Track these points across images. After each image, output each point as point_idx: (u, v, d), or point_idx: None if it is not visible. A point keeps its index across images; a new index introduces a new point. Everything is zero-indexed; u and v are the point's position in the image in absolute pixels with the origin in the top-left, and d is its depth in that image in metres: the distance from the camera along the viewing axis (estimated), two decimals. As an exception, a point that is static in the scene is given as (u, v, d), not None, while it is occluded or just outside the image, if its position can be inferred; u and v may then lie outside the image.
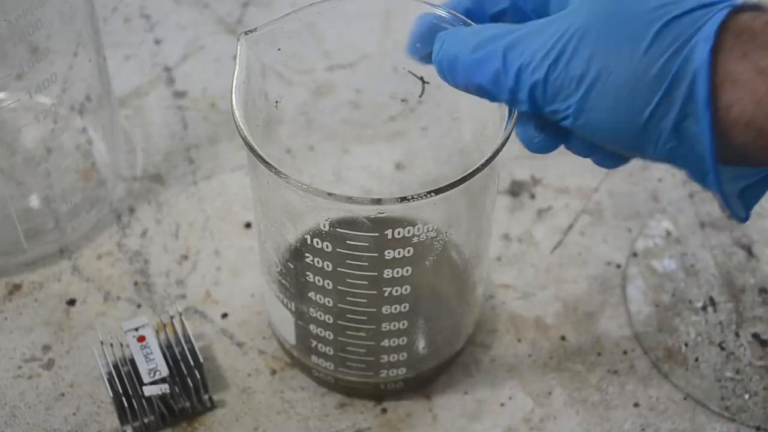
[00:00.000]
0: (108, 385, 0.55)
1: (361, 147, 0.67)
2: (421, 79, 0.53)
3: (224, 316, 0.61)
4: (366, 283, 0.51)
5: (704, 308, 0.62)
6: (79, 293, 0.62)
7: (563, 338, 0.61)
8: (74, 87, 0.60)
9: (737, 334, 0.61)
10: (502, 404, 0.59)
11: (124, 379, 0.56)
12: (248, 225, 0.65)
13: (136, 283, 0.63)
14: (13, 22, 0.54)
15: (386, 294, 0.52)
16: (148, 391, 0.55)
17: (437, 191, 0.46)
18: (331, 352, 0.56)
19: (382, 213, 0.47)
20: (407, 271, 0.51)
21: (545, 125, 0.46)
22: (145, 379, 0.55)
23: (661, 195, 0.67)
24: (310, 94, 0.70)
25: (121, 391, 0.55)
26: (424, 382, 0.59)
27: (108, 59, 0.63)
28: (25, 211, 0.63)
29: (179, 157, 0.68)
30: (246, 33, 0.50)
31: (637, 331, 0.61)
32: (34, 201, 0.63)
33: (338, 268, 0.51)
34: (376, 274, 0.51)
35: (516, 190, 0.67)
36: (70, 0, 0.57)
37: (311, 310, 0.54)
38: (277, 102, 0.54)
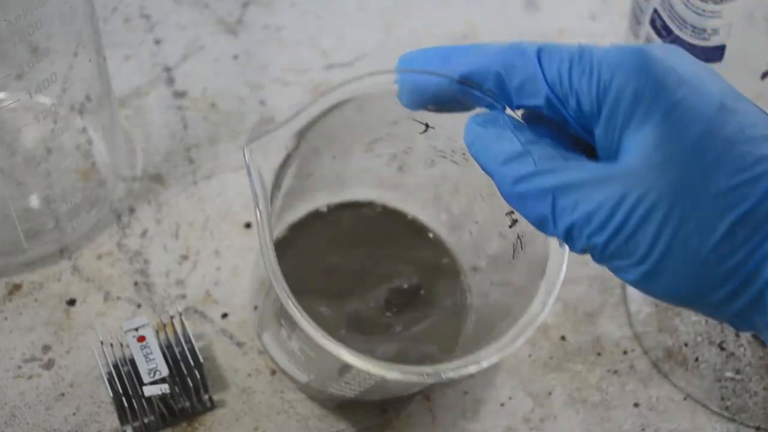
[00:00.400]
0: (108, 385, 0.55)
1: (362, 148, 0.66)
2: (426, 125, 0.51)
3: (224, 316, 0.61)
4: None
5: (704, 308, 0.62)
6: (79, 293, 0.62)
7: (563, 338, 0.61)
8: (74, 87, 0.60)
9: (737, 334, 0.61)
10: (502, 404, 0.59)
11: (124, 379, 0.56)
12: (248, 225, 0.65)
13: (136, 283, 0.63)
14: (13, 22, 0.54)
15: None
16: (148, 391, 0.55)
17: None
18: (346, 394, 0.56)
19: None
20: None
21: None
22: (145, 379, 0.55)
23: (661, 195, 0.67)
24: (307, 94, 0.70)
25: (121, 391, 0.55)
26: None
27: (108, 59, 0.63)
28: (25, 211, 0.63)
29: (179, 157, 0.68)
30: (248, 144, 0.47)
31: (637, 331, 0.61)
32: (34, 201, 0.63)
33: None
34: None
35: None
36: (70, 0, 0.57)
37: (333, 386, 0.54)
38: (310, 175, 0.53)
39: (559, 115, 0.42)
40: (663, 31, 0.65)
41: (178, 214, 0.66)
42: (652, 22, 0.66)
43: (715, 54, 0.65)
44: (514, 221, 0.51)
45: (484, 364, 0.46)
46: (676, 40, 0.65)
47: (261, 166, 0.47)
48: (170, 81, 0.72)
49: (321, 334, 0.45)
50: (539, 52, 0.42)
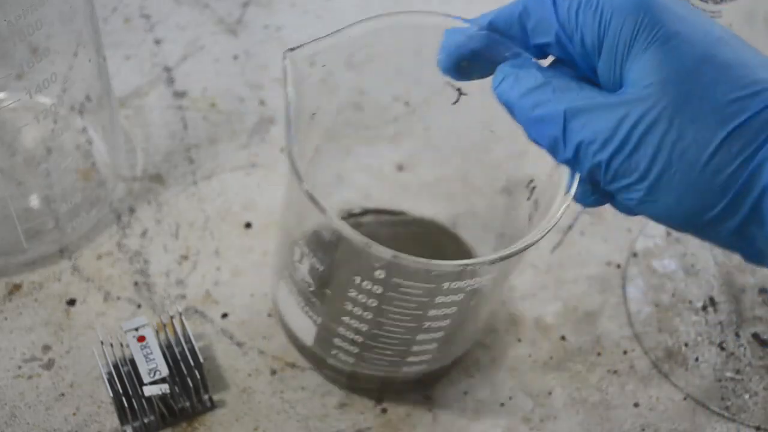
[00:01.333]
0: (108, 385, 0.55)
1: (363, 148, 0.67)
2: (459, 90, 0.52)
3: (224, 316, 0.62)
4: (409, 318, 0.51)
5: (704, 308, 0.62)
6: (79, 293, 0.62)
7: (563, 338, 0.61)
8: (74, 87, 0.60)
9: (737, 334, 0.61)
10: (502, 404, 0.59)
11: (124, 379, 0.56)
12: (248, 225, 0.65)
13: (136, 283, 0.63)
14: (13, 22, 0.54)
15: (425, 326, 0.52)
16: (148, 391, 0.55)
17: (503, 258, 0.46)
18: (351, 361, 0.56)
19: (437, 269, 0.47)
20: (452, 310, 0.51)
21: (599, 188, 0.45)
22: (145, 379, 0.55)
23: (661, 195, 0.67)
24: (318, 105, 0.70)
25: (121, 391, 0.55)
26: (426, 383, 0.59)
27: (108, 59, 0.63)
28: (25, 211, 0.63)
29: (179, 157, 0.68)
30: (291, 50, 0.48)
31: (637, 331, 0.61)
32: (34, 201, 0.63)
33: (383, 306, 0.51)
34: (421, 312, 0.51)
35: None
36: (70, 0, 0.57)
37: (341, 329, 0.54)
38: (313, 114, 0.53)
39: (567, 54, 0.45)
40: (663, 31, 0.65)
41: (178, 214, 0.66)
42: (652, 22, 0.66)
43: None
44: (533, 189, 0.52)
45: (511, 250, 0.47)
46: (676, 40, 0.65)
47: (295, 74, 0.48)
48: (170, 81, 0.72)
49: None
50: None
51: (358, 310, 0.52)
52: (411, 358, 0.55)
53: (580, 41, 0.44)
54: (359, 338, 0.53)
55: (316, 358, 0.58)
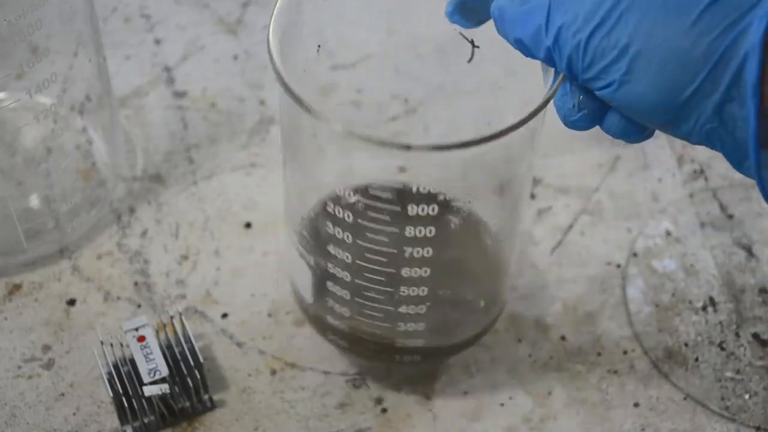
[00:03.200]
0: (108, 385, 0.55)
1: (362, 147, 0.67)
2: (472, 42, 0.52)
3: (224, 316, 0.61)
4: (386, 239, 0.51)
5: (704, 308, 0.62)
6: (79, 293, 0.62)
7: (563, 338, 0.61)
8: (74, 87, 0.60)
9: (737, 334, 0.61)
10: (502, 404, 0.59)
11: (124, 379, 0.56)
12: (248, 225, 0.65)
13: (136, 283, 0.63)
14: (13, 22, 0.54)
15: (407, 254, 0.51)
16: (148, 391, 0.55)
17: (460, 145, 0.45)
18: (348, 314, 0.55)
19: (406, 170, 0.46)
20: (430, 231, 0.50)
21: (585, 101, 0.45)
22: (145, 379, 0.55)
23: (661, 195, 0.67)
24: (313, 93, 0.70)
25: (121, 391, 0.55)
26: (441, 358, 0.58)
27: (108, 59, 0.63)
28: (25, 211, 0.63)
29: (179, 157, 0.68)
30: None
31: (637, 331, 0.61)
32: (34, 201, 0.63)
33: (358, 220, 0.50)
34: (397, 230, 0.50)
35: (516, 190, 0.67)
36: (70, 0, 0.57)
37: (329, 265, 0.53)
38: (319, 46, 0.53)
39: None
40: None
41: (178, 214, 0.66)
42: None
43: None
44: None
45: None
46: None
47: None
48: (170, 81, 0.72)
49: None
50: None
51: (339, 232, 0.51)
52: (403, 308, 0.54)
53: None
54: (347, 276, 0.53)
55: (318, 319, 0.57)
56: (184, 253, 0.64)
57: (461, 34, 0.52)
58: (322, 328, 0.58)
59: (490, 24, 0.47)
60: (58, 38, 0.57)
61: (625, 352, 0.61)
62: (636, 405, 0.59)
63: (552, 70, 0.46)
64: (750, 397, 0.59)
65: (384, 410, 0.58)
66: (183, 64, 0.73)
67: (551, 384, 0.59)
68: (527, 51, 0.45)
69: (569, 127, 0.46)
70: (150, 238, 0.64)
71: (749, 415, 0.59)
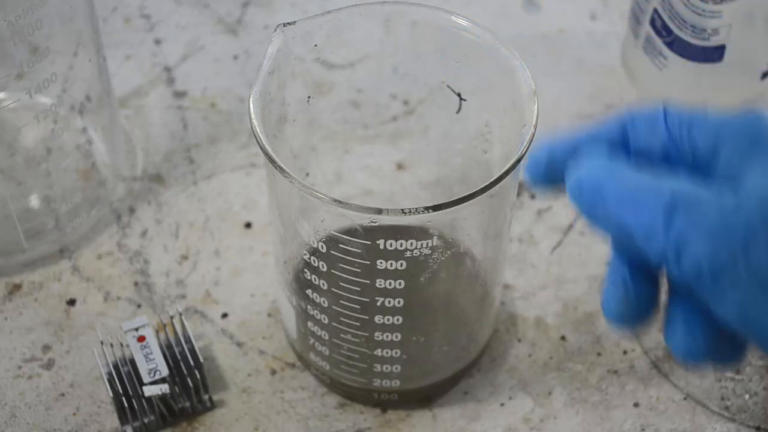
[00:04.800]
0: (108, 385, 0.55)
1: (361, 147, 0.67)
2: (459, 95, 0.52)
3: (224, 316, 0.62)
4: (358, 288, 0.51)
5: (704, 308, 0.62)
6: (79, 293, 0.62)
7: (563, 338, 0.61)
8: (74, 87, 0.60)
9: (737, 334, 0.61)
10: (502, 404, 0.59)
11: (124, 379, 0.56)
12: (248, 225, 0.65)
13: (136, 283, 0.63)
14: (13, 22, 0.54)
15: (378, 303, 0.52)
16: (148, 391, 0.55)
17: (435, 207, 0.45)
18: (327, 352, 0.56)
19: (375, 222, 0.47)
20: (399, 284, 0.50)
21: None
22: (145, 379, 0.55)
23: (661, 195, 0.67)
24: (310, 93, 0.70)
25: (121, 391, 0.56)
26: (421, 397, 0.58)
27: (108, 59, 0.63)
28: (25, 211, 0.63)
29: (179, 157, 0.68)
30: (284, 25, 0.49)
31: (637, 331, 0.61)
32: (34, 201, 0.63)
33: (332, 270, 0.51)
34: (368, 282, 0.51)
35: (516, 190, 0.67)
36: (70, 0, 0.57)
37: (309, 307, 0.54)
38: (309, 97, 0.54)
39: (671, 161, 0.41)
40: (663, 31, 0.65)
41: (178, 214, 0.66)
42: (652, 22, 0.66)
43: (715, 54, 0.65)
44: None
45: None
46: (676, 40, 0.65)
47: (282, 49, 0.50)
48: (170, 81, 0.72)
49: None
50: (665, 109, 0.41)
51: (315, 279, 0.51)
52: (378, 352, 0.54)
53: (691, 153, 0.40)
54: (325, 318, 0.53)
55: (301, 355, 0.58)
56: (184, 253, 0.64)
57: (449, 86, 0.52)
58: (306, 363, 0.59)
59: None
60: (58, 38, 0.57)
61: (625, 352, 0.61)
62: (636, 405, 0.59)
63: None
64: (750, 397, 0.59)
65: (384, 410, 0.58)
66: (183, 64, 0.73)
67: (551, 384, 0.59)
68: (626, 239, 0.39)
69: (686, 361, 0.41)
70: (150, 238, 0.64)
71: (749, 415, 0.59)
